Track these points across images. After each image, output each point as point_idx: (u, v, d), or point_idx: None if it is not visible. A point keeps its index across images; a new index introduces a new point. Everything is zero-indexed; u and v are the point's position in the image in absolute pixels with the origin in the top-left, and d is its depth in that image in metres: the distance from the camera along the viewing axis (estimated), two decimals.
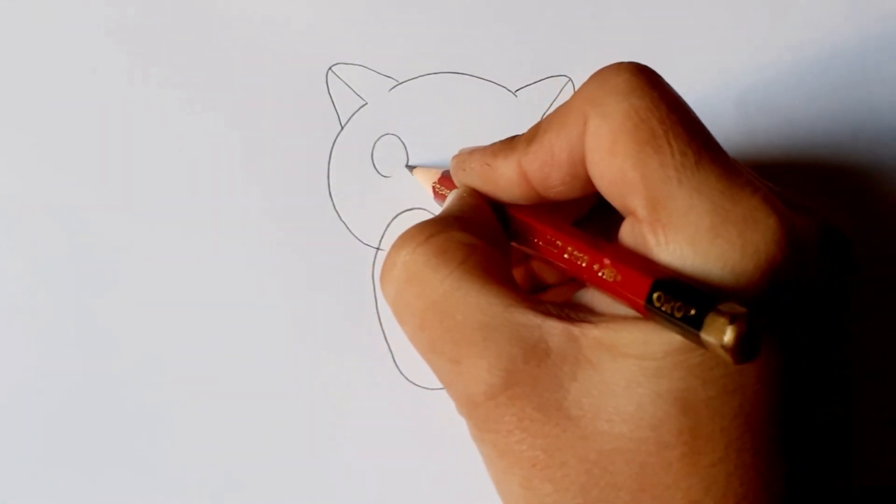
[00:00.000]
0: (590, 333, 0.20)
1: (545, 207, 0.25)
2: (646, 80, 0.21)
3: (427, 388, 0.31)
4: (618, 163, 0.21)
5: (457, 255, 0.22)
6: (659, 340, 0.19)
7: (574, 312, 0.21)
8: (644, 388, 0.19)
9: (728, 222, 0.19)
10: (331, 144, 0.32)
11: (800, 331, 0.20)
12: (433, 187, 0.29)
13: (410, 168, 0.31)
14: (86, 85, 0.32)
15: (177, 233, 0.31)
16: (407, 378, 0.31)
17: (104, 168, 0.31)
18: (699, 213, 0.20)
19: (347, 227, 0.31)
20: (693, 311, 0.18)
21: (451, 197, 0.26)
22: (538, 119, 0.32)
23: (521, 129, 0.32)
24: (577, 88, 0.32)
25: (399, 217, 0.32)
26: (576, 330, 0.21)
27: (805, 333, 0.21)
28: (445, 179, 0.28)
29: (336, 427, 0.30)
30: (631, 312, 0.20)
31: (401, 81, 0.32)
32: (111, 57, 0.32)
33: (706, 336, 0.18)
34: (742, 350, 0.17)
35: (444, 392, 0.30)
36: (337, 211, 0.31)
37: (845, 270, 0.23)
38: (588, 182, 0.22)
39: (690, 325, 0.18)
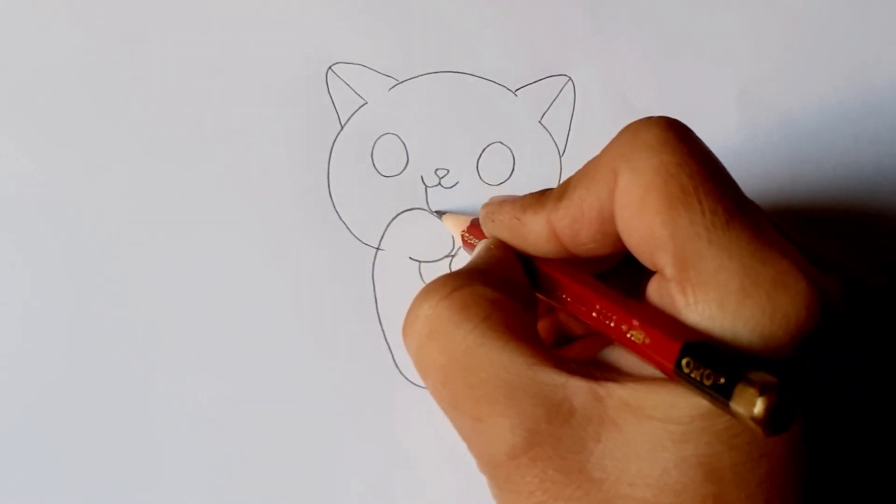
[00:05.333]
0: (615, 394, 0.20)
1: (573, 261, 0.24)
2: (676, 135, 0.21)
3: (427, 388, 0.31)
4: (647, 219, 0.20)
5: (480, 310, 0.22)
6: (686, 404, 0.19)
7: (599, 371, 0.21)
8: (669, 453, 0.19)
9: (758, 285, 0.19)
10: (331, 144, 0.32)
11: (829, 396, 0.20)
12: (462, 236, 0.29)
13: (439, 214, 0.31)
14: (85, 85, 0.31)
15: (176, 233, 0.31)
16: (407, 378, 0.31)
17: (104, 168, 0.31)
18: (729, 273, 0.19)
19: (347, 227, 0.31)
20: (723, 380, 0.18)
21: (479, 248, 0.26)
22: (538, 119, 0.32)
23: (521, 128, 0.32)
24: (576, 90, 0.33)
25: (399, 217, 0.32)
26: (601, 390, 0.20)
27: (834, 398, 0.20)
28: (474, 228, 0.28)
29: (336, 427, 0.30)
30: (657, 373, 0.20)
31: (401, 81, 0.32)
32: (111, 56, 0.32)
33: (736, 407, 0.17)
34: (773, 422, 0.17)
35: None
36: (337, 211, 0.31)
37: (874, 325, 0.22)
38: (618, 240, 0.22)
39: (720, 394, 0.18)
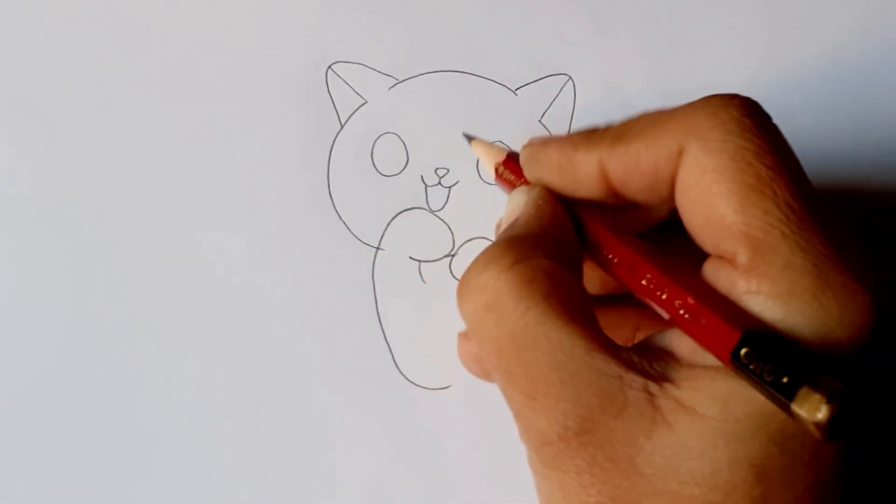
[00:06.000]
0: (670, 393, 0.20)
1: (624, 221, 0.24)
2: (757, 122, 0.21)
3: (427, 388, 0.31)
4: (718, 204, 0.20)
5: (542, 287, 0.21)
6: (741, 402, 0.19)
7: (655, 363, 0.21)
8: (721, 453, 0.19)
9: (828, 288, 0.19)
10: (330, 143, 0.32)
11: (879, 405, 0.20)
12: (496, 169, 0.28)
13: (468, 138, 0.30)
14: (86, 85, 0.31)
15: (176, 233, 0.31)
16: (407, 378, 0.31)
17: (104, 168, 0.31)
18: (800, 271, 0.19)
19: (347, 227, 0.31)
20: (786, 379, 0.17)
21: (526, 204, 0.24)
22: (538, 118, 0.32)
23: (521, 128, 0.32)
24: (576, 89, 0.33)
25: (399, 216, 0.32)
26: (655, 388, 0.20)
27: (884, 408, 0.21)
28: (511, 163, 0.27)
29: (336, 427, 0.30)
30: (713, 360, 0.20)
31: (401, 80, 0.32)
32: (111, 56, 0.32)
33: (798, 409, 0.17)
34: (835, 429, 0.17)
35: (444, 392, 0.30)
36: (337, 210, 0.31)
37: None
38: (666, 199, 0.22)
39: (781, 394, 0.17)
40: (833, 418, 0.17)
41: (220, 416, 0.30)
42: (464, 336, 0.27)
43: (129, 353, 0.30)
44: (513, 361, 0.21)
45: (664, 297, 0.21)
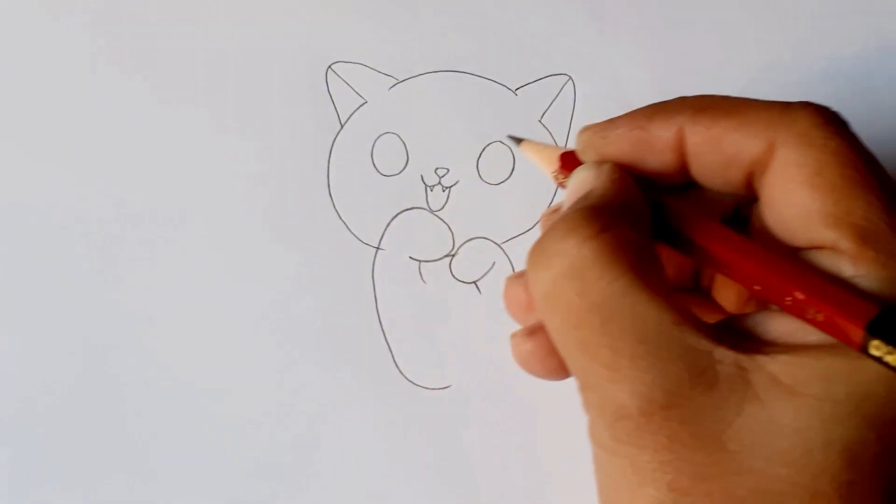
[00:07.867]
0: (764, 368, 0.19)
1: (705, 211, 0.23)
2: (849, 129, 0.21)
3: (427, 388, 0.31)
4: (819, 196, 0.20)
5: (629, 258, 0.20)
6: (845, 382, 0.19)
7: (744, 341, 0.20)
8: (815, 433, 0.19)
9: None
10: (330, 143, 0.32)
11: None
12: (555, 177, 0.26)
13: (516, 141, 0.27)
14: (85, 86, 0.31)
15: (176, 233, 0.31)
16: (407, 378, 0.31)
17: (103, 168, 0.31)
18: None
19: (347, 227, 0.31)
20: None
21: (597, 177, 0.23)
22: (538, 118, 0.32)
23: (522, 128, 0.32)
24: (577, 89, 0.33)
25: (399, 216, 0.32)
26: (747, 362, 0.20)
27: None
28: (568, 161, 0.25)
29: (336, 427, 0.30)
30: (814, 339, 0.20)
31: (401, 80, 0.32)
32: (110, 57, 0.32)
33: None
34: None
35: (444, 392, 0.30)
36: (337, 210, 0.31)
37: None
38: (732, 183, 0.22)
39: None
40: None
41: (218, 416, 0.30)
42: (521, 335, 0.25)
43: (127, 353, 0.30)
44: (594, 332, 0.20)
45: (778, 279, 0.21)
